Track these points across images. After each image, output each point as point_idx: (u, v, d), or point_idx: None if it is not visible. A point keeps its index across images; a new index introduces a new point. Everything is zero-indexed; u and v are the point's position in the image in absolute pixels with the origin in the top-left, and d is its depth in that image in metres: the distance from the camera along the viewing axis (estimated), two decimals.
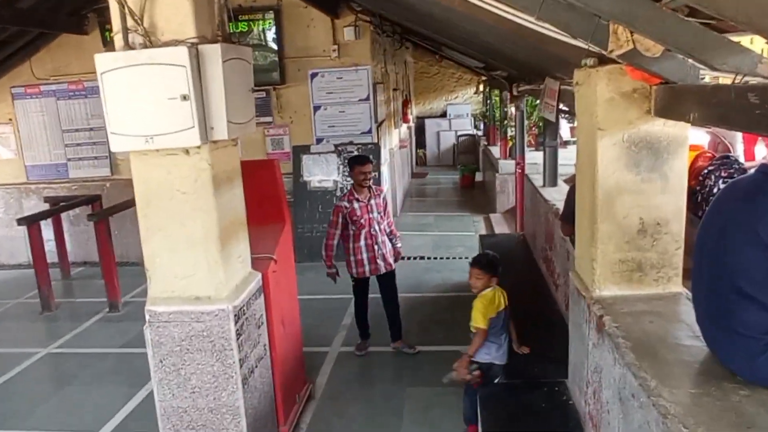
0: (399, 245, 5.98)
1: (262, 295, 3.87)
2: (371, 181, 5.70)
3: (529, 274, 6.15)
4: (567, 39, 2.80)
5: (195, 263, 3.30)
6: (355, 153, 8.59)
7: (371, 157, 6.50)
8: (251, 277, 3.74)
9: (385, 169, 9.74)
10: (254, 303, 3.71)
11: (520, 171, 8.34)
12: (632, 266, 2.88)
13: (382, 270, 5.74)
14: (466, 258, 8.61)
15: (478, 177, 15.43)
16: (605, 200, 2.82)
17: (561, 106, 4.88)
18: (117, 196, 8.58)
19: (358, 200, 5.62)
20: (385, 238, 5.77)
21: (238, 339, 3.41)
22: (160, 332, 3.38)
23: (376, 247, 5.67)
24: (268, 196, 4.51)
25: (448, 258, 8.75)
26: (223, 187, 3.35)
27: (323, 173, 8.81)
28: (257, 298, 3.77)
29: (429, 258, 8.78)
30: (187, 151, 3.16)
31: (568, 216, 4.06)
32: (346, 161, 6.26)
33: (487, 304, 4.16)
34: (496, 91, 13.98)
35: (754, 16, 1.41)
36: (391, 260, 5.77)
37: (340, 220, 5.61)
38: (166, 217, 3.25)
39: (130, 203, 7.13)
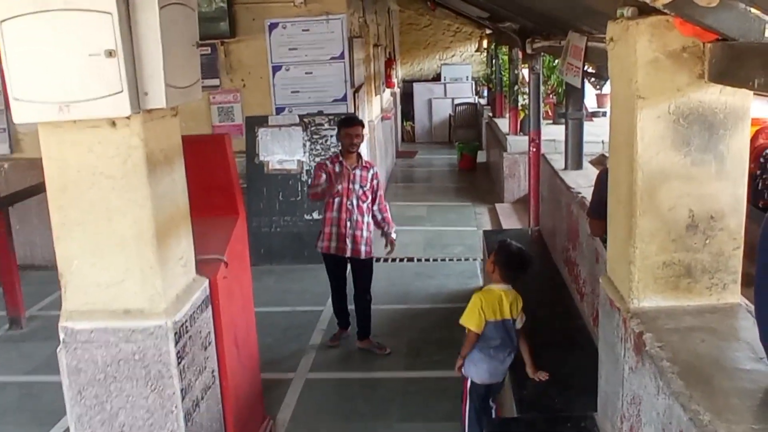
0: (393, 234, 6.35)
1: (210, 308, 3.85)
2: (358, 147, 6.13)
3: (546, 280, 6.18)
4: None
5: (124, 267, 3.27)
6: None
7: (362, 120, 6.76)
8: (196, 284, 3.72)
9: (363, 146, 9.72)
10: (200, 318, 3.69)
11: (534, 150, 8.35)
12: (679, 270, 2.90)
13: (348, 252, 6.12)
14: (467, 259, 8.69)
15: (481, 157, 15.52)
16: (646, 188, 2.84)
17: (588, 67, 4.90)
18: (18, 180, 8.46)
19: (341, 164, 6.04)
20: (365, 221, 6.12)
21: (179, 364, 3.39)
22: (79, 355, 3.34)
23: (348, 224, 6.06)
24: (216, 182, 4.49)
25: (443, 260, 8.81)
26: (160, 170, 3.32)
27: (285, 152, 8.79)
28: (203, 311, 3.75)
29: (419, 260, 8.83)
30: (113, 123, 3.12)
31: (597, 209, 4.08)
32: (337, 124, 6.56)
33: (486, 302, 4.22)
34: (505, 49, 14.03)
35: None
36: (363, 248, 6.13)
37: (323, 176, 6.04)
38: (86, 209, 3.21)
39: (37, 190, 7.05)
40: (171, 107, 3.34)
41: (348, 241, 6.09)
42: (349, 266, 6.34)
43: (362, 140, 6.23)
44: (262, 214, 8.80)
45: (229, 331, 4.12)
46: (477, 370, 4.34)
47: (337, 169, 6.05)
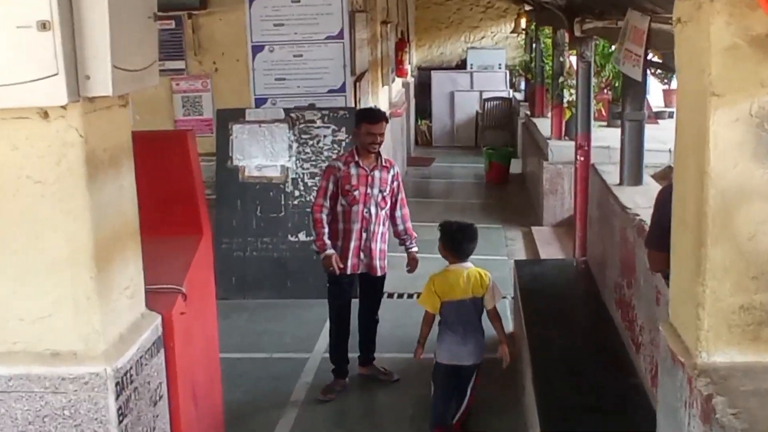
0: (414, 248, 6.68)
1: (162, 352, 3.84)
2: (380, 147, 6.39)
3: (593, 326, 6.18)
4: None
5: (54, 297, 3.26)
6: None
7: (388, 116, 7.04)
8: (145, 322, 3.71)
9: None
10: (149, 364, 3.68)
11: (582, 159, 8.38)
12: (761, 317, 2.89)
13: (363, 268, 6.41)
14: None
15: (515, 167, 15.53)
16: (720, 210, 2.83)
17: (651, 56, 4.91)
18: None
19: (358, 165, 6.28)
20: (380, 231, 6.42)
21: (120, 422, 3.37)
22: None
23: (364, 234, 6.32)
24: (175, 191, 4.50)
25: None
26: (103, 174, 3.32)
27: (265, 155, 8.82)
28: (154, 356, 3.74)
29: None
30: (45, 114, 3.13)
31: (657, 236, 4.08)
32: (355, 116, 6.85)
33: (439, 282, 5.57)
34: (548, 30, 14.08)
35: None
36: (378, 263, 6.44)
37: (331, 186, 6.28)
38: (7, 222, 3.21)
39: None
40: (119, 95, 3.34)
41: (362, 255, 6.36)
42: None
43: (383, 140, 6.47)
44: (234, 234, 8.81)
45: (186, 382, 4.10)
46: (439, 350, 5.60)
47: (352, 171, 6.26)
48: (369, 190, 6.30)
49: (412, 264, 6.68)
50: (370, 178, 6.30)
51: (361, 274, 6.47)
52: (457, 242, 5.66)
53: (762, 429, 2.49)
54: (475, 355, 5.62)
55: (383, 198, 6.41)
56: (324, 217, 6.26)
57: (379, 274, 6.51)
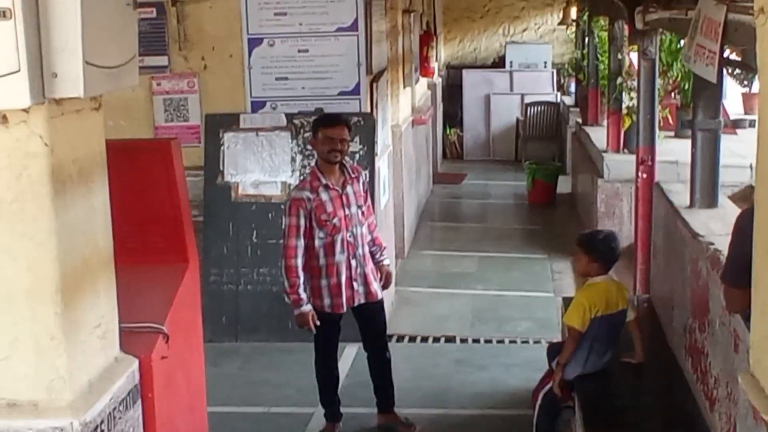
0: (386, 261, 6.81)
1: (140, 404, 3.85)
2: (343, 157, 6.42)
3: (658, 378, 6.16)
4: None
5: (11, 338, 3.28)
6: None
7: (349, 119, 6.97)
8: (119, 367, 3.72)
9: (383, 163, 9.78)
10: (123, 418, 3.69)
11: (645, 176, 8.38)
12: None
13: (361, 299, 6.49)
14: (537, 342, 8.65)
15: (564, 185, 15.53)
16: None
17: (729, 53, 4.93)
18: None
19: (327, 188, 6.31)
20: (367, 251, 6.55)
21: None
22: None
23: (353, 262, 6.42)
24: (156, 212, 4.53)
25: (500, 342, 8.82)
26: (72, 191, 3.35)
27: (264, 170, 8.85)
28: (129, 407, 3.75)
29: (464, 341, 8.83)
30: (3, 118, 3.14)
31: (738, 270, 4.06)
32: (311, 125, 6.88)
33: (591, 297, 5.93)
34: (604, 22, 14.11)
35: None
36: (375, 287, 6.54)
37: (302, 221, 6.26)
38: None
39: None
40: (92, 97, 3.37)
41: (357, 285, 6.46)
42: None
43: (349, 148, 6.58)
44: (225, 264, 8.83)
45: None
46: (571, 367, 5.98)
47: (323, 197, 6.29)
48: (347, 211, 6.38)
49: (387, 279, 6.83)
50: (344, 197, 6.38)
51: (357, 308, 6.56)
52: (609, 250, 6.10)
53: None
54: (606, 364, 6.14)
55: (362, 213, 6.53)
56: (299, 263, 6.27)
57: (378, 297, 6.62)
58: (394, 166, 10.99)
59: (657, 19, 7.73)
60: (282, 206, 8.66)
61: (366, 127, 8.79)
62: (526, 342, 8.71)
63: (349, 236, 6.36)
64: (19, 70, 3.02)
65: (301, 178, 8.48)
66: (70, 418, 3.32)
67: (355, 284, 6.43)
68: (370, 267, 6.56)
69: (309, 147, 8.70)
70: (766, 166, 3.16)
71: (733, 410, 4.25)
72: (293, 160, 8.80)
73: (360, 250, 6.46)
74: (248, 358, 8.36)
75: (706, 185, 6.71)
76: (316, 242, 6.32)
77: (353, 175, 6.49)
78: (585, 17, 16.34)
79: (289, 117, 8.85)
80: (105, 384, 3.58)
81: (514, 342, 8.72)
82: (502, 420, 7.14)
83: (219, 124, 8.89)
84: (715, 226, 5.96)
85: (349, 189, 6.40)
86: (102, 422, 3.51)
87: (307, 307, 6.27)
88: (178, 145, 4.81)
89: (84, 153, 3.46)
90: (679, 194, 7.03)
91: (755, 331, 3.32)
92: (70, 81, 3.13)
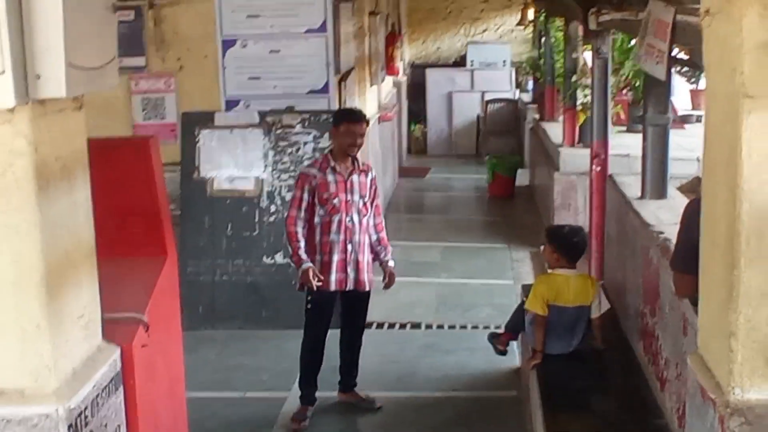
0: (390, 262, 6.83)
1: (122, 390, 3.84)
2: (359, 150, 6.56)
3: (612, 360, 6.20)
4: None
5: None
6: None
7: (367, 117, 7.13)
8: (102, 355, 3.71)
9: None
10: (106, 403, 3.68)
11: (598, 169, 8.42)
12: None
13: (350, 284, 6.53)
14: (499, 327, 8.67)
15: (523, 178, 15.58)
16: (755, 227, 2.87)
17: (677, 52, 4.96)
18: None
19: (334, 171, 6.43)
20: (366, 241, 6.59)
21: None
22: None
23: (349, 246, 6.46)
24: (135, 206, 4.50)
25: (464, 327, 8.85)
26: (55, 187, 3.34)
27: (238, 165, 8.83)
28: (112, 393, 3.74)
29: (430, 327, 8.85)
30: None
31: (686, 257, 4.10)
32: (333, 116, 6.96)
33: (541, 286, 6.10)
34: (559, 23, 14.15)
35: None
36: (366, 276, 6.58)
37: (305, 195, 6.42)
38: None
39: None
40: (74, 97, 3.36)
41: (350, 269, 6.49)
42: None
43: (363, 143, 6.65)
44: (201, 255, 8.81)
45: (148, 423, 4.09)
46: (554, 342, 6.08)
47: (329, 178, 6.40)
48: (349, 197, 6.45)
49: (390, 279, 6.84)
50: (348, 183, 6.46)
51: (344, 293, 6.59)
52: (571, 243, 6.16)
53: None
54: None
55: (364, 204, 6.57)
56: (299, 230, 6.39)
57: (367, 288, 6.66)
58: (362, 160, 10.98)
59: (609, 20, 7.76)
60: (255, 200, 8.76)
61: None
62: (488, 327, 8.69)
63: (348, 220, 6.43)
64: (3, 72, 3.00)
65: (272, 191, 8.80)
66: (56, 405, 3.31)
67: (348, 268, 6.47)
68: (365, 257, 6.59)
69: (282, 143, 8.77)
70: (712, 159, 3.20)
71: (682, 390, 4.29)
72: (266, 156, 8.77)
73: (357, 237, 6.50)
74: (224, 345, 8.35)
75: (656, 177, 6.76)
76: (316, 219, 6.42)
77: (362, 169, 6.60)
78: (542, 18, 16.38)
79: (262, 115, 8.83)
80: (88, 371, 3.56)
81: (477, 327, 8.74)
82: (467, 401, 7.18)
83: (195, 121, 8.85)
84: (665, 216, 6.00)
85: (354, 177, 6.49)
86: (86, 408, 3.50)
87: (308, 265, 6.33)
88: (156, 142, 4.79)
89: (67, 151, 3.45)
90: (631, 186, 7.08)
91: (702, 315, 3.36)
92: (53, 82, 3.12)
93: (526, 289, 7.94)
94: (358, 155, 6.67)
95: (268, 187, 8.77)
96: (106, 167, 3.96)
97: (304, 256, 6.36)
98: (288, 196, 8.65)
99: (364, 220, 6.58)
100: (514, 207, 14.34)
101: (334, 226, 6.41)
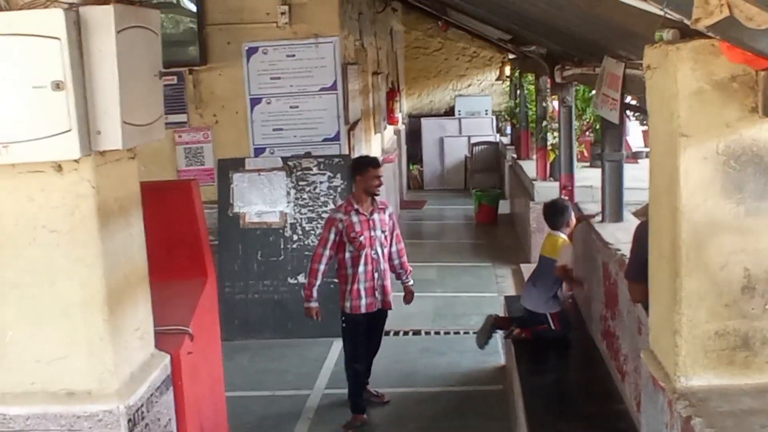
0: (410, 282, 6.85)
1: (171, 390, 3.87)
2: (380, 187, 6.56)
3: (581, 357, 6.20)
4: (633, 1, 2.92)
5: (69, 339, 3.30)
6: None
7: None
8: (155, 361, 3.75)
9: None
10: (159, 401, 3.71)
11: (566, 198, 8.46)
12: (735, 342, 2.95)
13: (378, 305, 6.53)
14: None
15: (504, 207, 15.58)
16: (692, 242, 2.90)
17: (628, 99, 5.01)
18: None
19: (358, 212, 6.41)
20: (387, 267, 6.58)
21: None
22: None
23: (376, 275, 6.46)
24: (180, 238, 4.55)
25: (456, 333, 8.81)
26: (114, 222, 3.38)
27: (265, 202, 8.86)
28: (163, 393, 3.77)
29: (428, 333, 8.85)
30: (59, 167, 3.18)
31: (638, 269, 4.13)
32: (351, 165, 6.98)
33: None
34: (531, 77, 14.23)
35: None
36: (390, 297, 6.61)
37: (332, 236, 6.38)
38: (25, 269, 3.26)
39: None
40: (128, 148, 3.41)
41: (377, 293, 6.49)
42: None
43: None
44: (236, 278, 8.81)
45: (194, 418, 4.12)
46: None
47: (354, 219, 6.38)
48: (372, 233, 6.43)
49: (408, 297, 6.86)
50: (371, 222, 6.43)
51: (374, 313, 6.56)
52: (546, 215, 6.76)
53: None
54: (532, 305, 6.54)
55: (385, 237, 6.56)
56: (322, 267, 6.39)
57: (390, 306, 6.69)
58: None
59: (572, 74, 7.83)
60: (280, 231, 8.79)
61: (345, 166, 8.80)
62: (476, 334, 8.74)
63: (373, 253, 6.43)
64: (70, 130, 3.05)
65: (295, 222, 8.80)
66: (117, 403, 3.35)
67: (376, 293, 6.47)
68: (388, 281, 6.60)
69: (301, 183, 8.81)
70: (656, 186, 3.24)
71: (638, 380, 4.31)
72: (288, 193, 8.81)
73: (381, 266, 6.50)
74: (256, 352, 8.33)
75: (613, 204, 6.78)
76: (347, 254, 6.40)
77: (380, 207, 6.56)
78: (516, 74, 16.47)
79: (285, 160, 8.86)
80: (144, 375, 3.60)
81: (467, 333, 8.71)
82: (459, 394, 7.19)
83: (229, 166, 8.89)
84: (621, 236, 6.01)
85: (375, 216, 6.47)
86: (142, 405, 3.53)
87: (314, 304, 6.41)
88: (197, 184, 4.83)
89: (123, 193, 3.50)
90: (593, 211, 7.10)
91: (652, 316, 3.39)
92: (111, 137, 3.18)
93: (509, 300, 8.00)
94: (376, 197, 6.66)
95: (291, 220, 8.80)
96: (156, 206, 3.99)
97: (314, 294, 6.42)
98: (307, 227, 8.73)
99: (385, 251, 6.58)
100: (497, 232, 14.33)
101: (362, 260, 6.39)
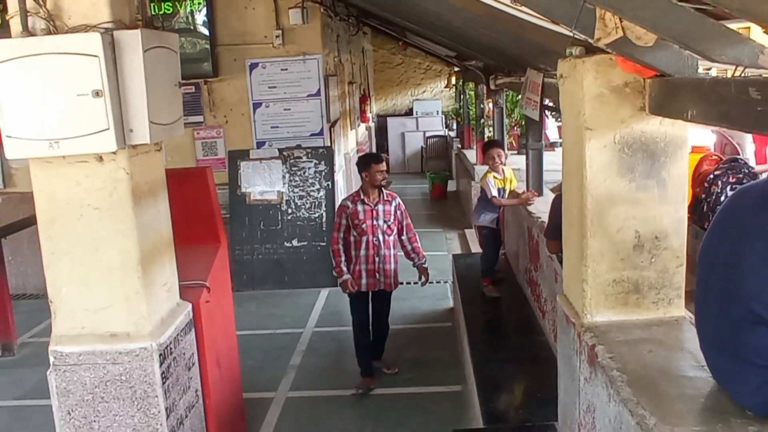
0: (425, 264, 6.22)
1: (193, 331, 3.87)
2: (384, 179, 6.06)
3: (512, 300, 6.24)
4: (549, 25, 2.91)
5: (111, 294, 3.30)
6: (302, 156, 8.79)
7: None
8: (179, 309, 3.74)
9: (339, 177, 9.80)
10: (183, 340, 3.70)
11: (497, 140, 8.44)
12: (628, 287, 2.98)
13: (381, 286, 5.97)
14: (438, 282, 8.72)
15: (451, 186, 15.61)
16: (595, 211, 2.92)
17: (546, 101, 5.01)
18: (10, 213, 8.40)
19: (363, 202, 5.94)
20: (392, 254, 5.99)
21: (164, 383, 3.40)
22: (68, 377, 3.34)
23: (377, 259, 5.91)
24: (198, 212, 4.53)
25: (415, 283, 8.71)
26: (144, 201, 3.35)
27: (265, 183, 8.82)
28: (187, 333, 3.76)
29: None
30: (100, 158, 3.16)
31: (554, 231, 4.18)
32: (357, 162, 6.33)
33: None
34: (471, 85, 14.20)
35: (749, 2, 1.52)
36: (391, 280, 6.02)
37: (343, 221, 5.92)
38: (74, 239, 3.24)
39: (28, 222, 7.00)
40: (155, 143, 3.38)
41: (378, 275, 5.92)
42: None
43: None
44: (244, 242, 8.78)
45: (211, 352, 4.13)
46: (483, 217, 6.52)
47: (359, 208, 5.88)
48: (374, 222, 5.90)
49: (425, 275, 6.25)
50: (374, 212, 5.92)
51: (375, 292, 6.03)
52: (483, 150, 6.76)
53: (631, 368, 2.57)
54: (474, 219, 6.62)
55: (388, 227, 5.99)
56: (340, 248, 5.88)
57: (391, 289, 6.10)
58: (346, 179, 11.01)
59: (503, 82, 7.81)
60: (278, 206, 8.74)
61: (328, 154, 8.82)
62: (431, 283, 8.67)
63: (374, 240, 5.88)
64: (108, 128, 3.04)
65: (290, 199, 8.68)
66: (150, 342, 3.35)
67: (377, 275, 5.91)
68: (390, 265, 5.98)
69: (293, 168, 8.76)
70: (568, 168, 3.23)
71: (555, 318, 4.34)
72: (284, 177, 8.78)
73: (383, 251, 5.91)
74: (260, 300, 8.32)
75: (535, 182, 6.79)
76: (352, 238, 5.89)
77: (387, 199, 6.04)
78: (461, 82, 16.43)
79: (280, 150, 8.83)
80: (171, 319, 3.61)
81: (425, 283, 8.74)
82: (418, 330, 7.27)
83: (237, 156, 8.84)
84: (542, 207, 6.02)
85: (380, 207, 5.94)
86: (170, 343, 3.53)
87: (347, 276, 5.83)
88: (212, 171, 4.80)
89: (152, 177, 3.48)
90: (520, 188, 7.07)
91: (565, 269, 3.40)
92: (141, 134, 3.16)
93: (456, 257, 8.01)
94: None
95: (286, 197, 8.77)
96: (179, 187, 3.97)
97: (344, 268, 5.85)
98: (299, 203, 8.72)
99: (389, 238, 5.98)
100: (446, 205, 14.37)
101: (363, 244, 5.86)
